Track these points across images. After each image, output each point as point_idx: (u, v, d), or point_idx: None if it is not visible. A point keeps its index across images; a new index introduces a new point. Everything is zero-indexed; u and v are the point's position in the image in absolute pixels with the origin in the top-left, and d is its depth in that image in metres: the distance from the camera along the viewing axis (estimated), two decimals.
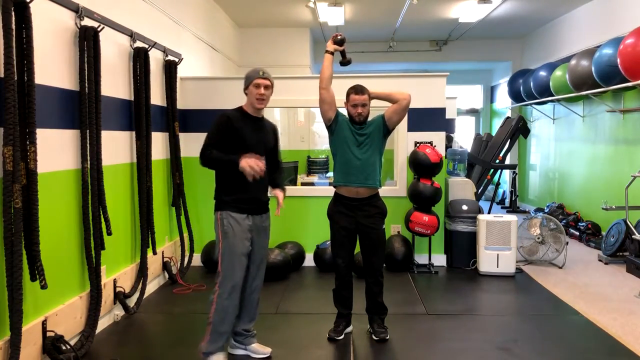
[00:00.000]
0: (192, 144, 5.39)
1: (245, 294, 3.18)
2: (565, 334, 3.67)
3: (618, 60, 5.29)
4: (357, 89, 3.42)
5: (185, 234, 5.23)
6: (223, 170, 3.06)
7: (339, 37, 3.48)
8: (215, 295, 3.02)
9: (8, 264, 2.60)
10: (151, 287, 4.56)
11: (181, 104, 5.27)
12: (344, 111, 3.57)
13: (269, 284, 3.42)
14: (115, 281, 3.87)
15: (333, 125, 3.50)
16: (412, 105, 3.66)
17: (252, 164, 2.86)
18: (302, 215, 5.47)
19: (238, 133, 3.01)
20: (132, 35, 4.15)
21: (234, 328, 3.20)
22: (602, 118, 6.84)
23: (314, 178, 6.20)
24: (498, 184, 8.37)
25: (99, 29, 3.45)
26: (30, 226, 2.74)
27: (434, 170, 5.06)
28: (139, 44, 4.25)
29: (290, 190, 5.58)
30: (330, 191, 3.67)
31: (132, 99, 4.20)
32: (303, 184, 5.93)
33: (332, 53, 3.49)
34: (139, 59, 4.19)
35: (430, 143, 5.30)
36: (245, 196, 3.05)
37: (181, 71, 5.25)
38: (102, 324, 3.69)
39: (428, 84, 5.35)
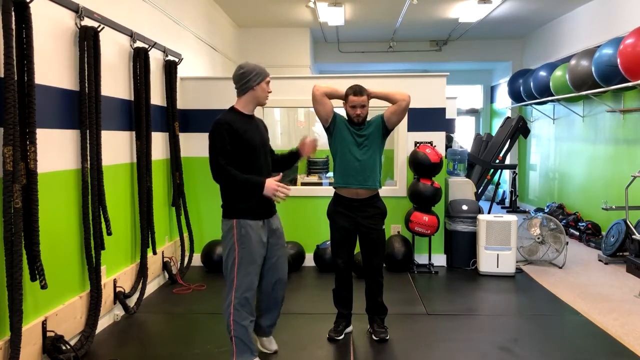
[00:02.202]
0: (192, 144, 5.40)
1: (264, 294, 3.13)
2: (565, 334, 3.67)
3: (618, 60, 5.29)
4: (356, 90, 3.40)
5: (185, 234, 5.23)
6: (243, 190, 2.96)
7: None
8: (232, 307, 2.90)
9: (8, 264, 2.60)
10: (151, 287, 4.56)
11: (181, 104, 5.27)
12: (340, 111, 3.57)
13: None
14: (115, 281, 3.87)
15: (331, 127, 3.49)
16: (412, 105, 3.66)
17: (277, 191, 2.88)
18: (302, 215, 5.46)
19: (243, 137, 2.89)
20: (132, 35, 4.15)
21: (260, 322, 3.19)
22: (602, 118, 6.84)
23: (314, 178, 6.19)
24: (498, 184, 8.37)
25: (99, 29, 3.45)
26: (30, 226, 2.74)
27: (434, 170, 5.06)
28: (139, 44, 4.25)
29: (290, 190, 5.59)
30: (330, 191, 3.67)
31: (132, 99, 4.20)
32: (303, 184, 5.92)
33: (345, 100, 3.48)
34: (139, 59, 4.19)
35: (430, 143, 5.30)
36: (259, 200, 2.95)
37: (181, 71, 5.25)
38: (102, 324, 3.69)
39: (428, 84, 5.35)
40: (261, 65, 2.99)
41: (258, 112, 3.21)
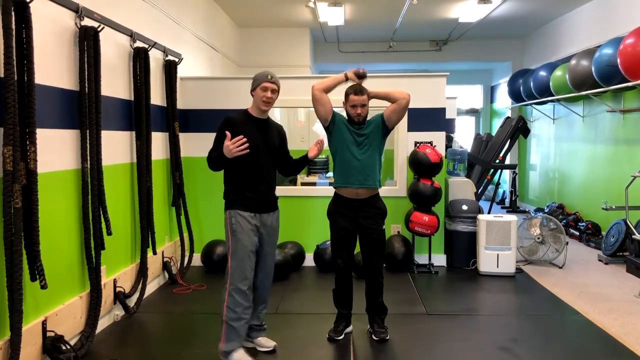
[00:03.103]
0: (192, 144, 5.40)
1: (252, 291, 3.23)
2: (565, 334, 3.67)
3: (618, 60, 5.29)
4: (356, 90, 3.41)
5: (185, 234, 5.23)
6: (225, 167, 3.13)
7: (362, 72, 3.50)
8: (226, 294, 3.06)
9: (8, 264, 2.60)
10: (151, 287, 4.56)
11: (181, 104, 5.27)
12: (340, 111, 3.57)
13: None
14: (115, 281, 3.87)
15: (330, 126, 3.49)
16: (412, 105, 3.66)
17: (230, 146, 2.92)
18: (302, 215, 5.46)
19: (241, 135, 3.04)
20: (132, 35, 4.15)
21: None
22: (602, 118, 6.84)
23: (314, 178, 6.19)
24: (498, 184, 8.37)
25: (99, 29, 3.45)
26: (30, 226, 2.74)
27: (434, 170, 5.06)
28: (139, 44, 4.25)
29: (291, 190, 5.61)
30: (330, 191, 3.67)
31: (132, 99, 4.20)
32: (303, 184, 5.92)
33: (346, 79, 3.49)
34: (139, 59, 4.19)
35: (430, 143, 5.30)
36: (251, 195, 3.12)
37: (181, 71, 5.25)
38: (102, 324, 3.69)
39: (428, 84, 5.35)
40: (263, 71, 3.19)
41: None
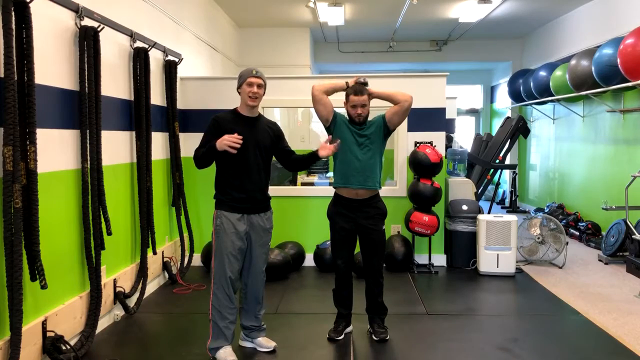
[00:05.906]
0: (192, 144, 5.36)
1: (245, 292, 3.31)
2: (565, 334, 3.67)
3: (618, 60, 5.30)
4: (357, 90, 3.40)
5: (185, 234, 5.23)
6: (211, 163, 3.12)
7: (363, 81, 3.48)
8: (211, 292, 3.15)
9: (8, 264, 2.60)
10: (151, 287, 4.56)
11: (181, 104, 5.27)
12: (341, 111, 3.57)
13: (269, 284, 3.45)
14: (115, 281, 3.87)
15: (331, 126, 3.49)
16: (412, 106, 3.66)
17: (226, 140, 2.91)
18: (302, 215, 5.47)
19: (228, 134, 3.03)
20: (132, 35, 4.15)
21: (241, 322, 3.34)
22: (602, 118, 6.85)
23: (314, 178, 6.20)
24: (498, 184, 8.37)
25: (99, 29, 3.45)
26: (30, 226, 2.74)
27: (434, 170, 5.06)
28: (139, 44, 4.25)
29: (291, 190, 5.61)
30: (330, 191, 3.67)
31: (132, 99, 4.20)
32: (303, 184, 5.93)
33: (347, 87, 3.46)
34: (139, 59, 4.19)
35: (430, 143, 5.30)
36: (240, 195, 3.12)
37: (181, 71, 5.25)
38: (102, 324, 3.69)
39: (428, 84, 5.35)
40: (250, 68, 3.16)
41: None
